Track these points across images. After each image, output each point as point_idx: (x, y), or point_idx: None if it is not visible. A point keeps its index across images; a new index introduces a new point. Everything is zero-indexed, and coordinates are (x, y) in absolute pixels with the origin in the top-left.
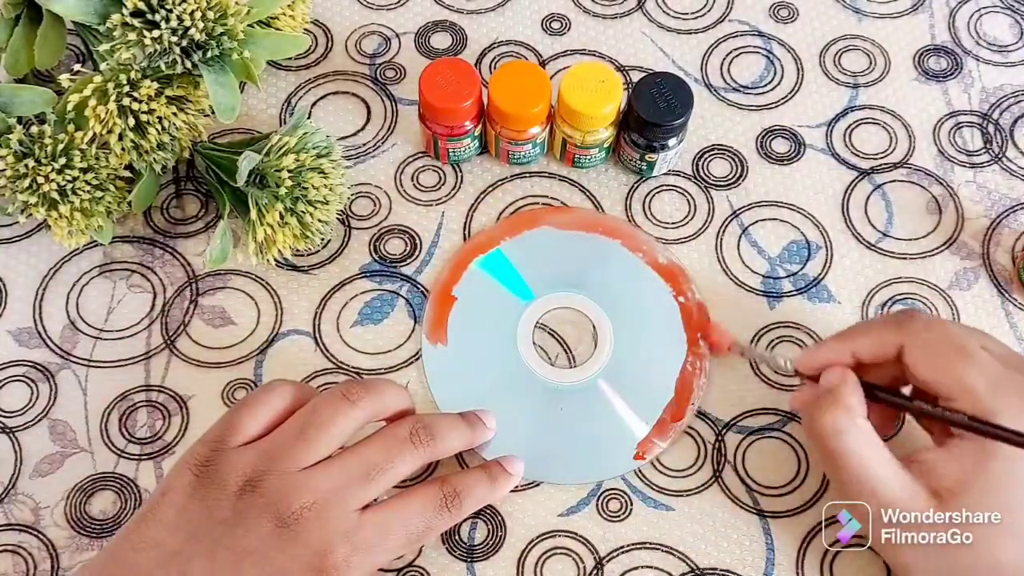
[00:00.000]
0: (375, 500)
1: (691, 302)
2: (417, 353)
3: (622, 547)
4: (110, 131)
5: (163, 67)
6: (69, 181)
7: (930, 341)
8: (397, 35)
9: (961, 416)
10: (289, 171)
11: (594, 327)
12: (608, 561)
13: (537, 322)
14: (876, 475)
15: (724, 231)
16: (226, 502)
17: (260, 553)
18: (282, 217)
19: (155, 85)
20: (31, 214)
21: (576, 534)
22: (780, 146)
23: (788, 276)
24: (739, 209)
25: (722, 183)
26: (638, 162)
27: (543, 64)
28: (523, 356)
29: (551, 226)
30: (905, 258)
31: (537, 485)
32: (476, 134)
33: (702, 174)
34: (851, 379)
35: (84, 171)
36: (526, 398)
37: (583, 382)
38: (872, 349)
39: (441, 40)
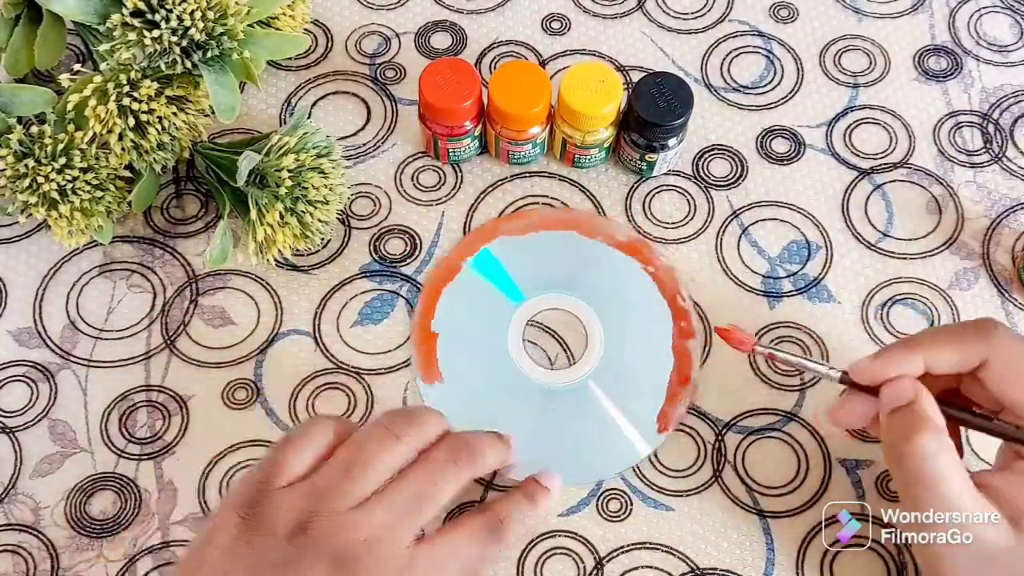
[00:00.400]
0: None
1: (661, 270)
2: None
3: (622, 547)
4: (110, 131)
5: (163, 67)
6: (69, 181)
7: (1019, 356)
8: (397, 35)
9: None
10: (289, 171)
11: (581, 321)
12: (608, 561)
13: (528, 320)
14: (961, 501)
15: (724, 231)
16: (276, 545)
17: None
18: (282, 217)
19: (155, 85)
20: (31, 214)
21: (576, 534)
22: (780, 146)
23: (788, 276)
24: (739, 209)
25: (722, 183)
26: (638, 162)
27: (543, 64)
28: (515, 359)
29: (504, 235)
30: (905, 258)
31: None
32: (476, 134)
33: (702, 174)
34: (927, 394)
35: (84, 171)
36: (522, 401)
37: (576, 382)
38: (951, 360)
39: (441, 40)
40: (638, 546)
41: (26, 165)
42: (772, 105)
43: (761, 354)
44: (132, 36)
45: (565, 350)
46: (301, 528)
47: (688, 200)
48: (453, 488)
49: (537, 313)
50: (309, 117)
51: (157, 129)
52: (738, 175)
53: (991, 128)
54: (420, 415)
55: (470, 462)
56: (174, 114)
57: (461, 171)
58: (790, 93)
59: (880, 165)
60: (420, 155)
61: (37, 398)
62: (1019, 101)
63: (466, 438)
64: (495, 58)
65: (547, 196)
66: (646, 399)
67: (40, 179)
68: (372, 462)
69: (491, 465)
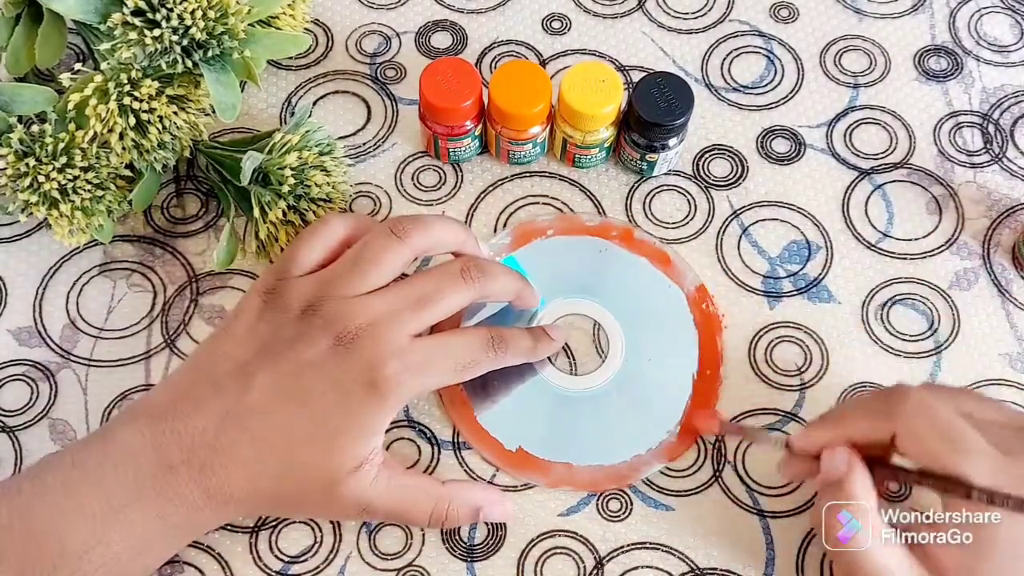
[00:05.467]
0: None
1: (690, 286)
2: None
3: (622, 547)
4: (111, 130)
5: (164, 66)
6: (70, 180)
7: (920, 431)
8: (397, 34)
9: (965, 490)
10: (292, 169)
11: (602, 326)
12: (608, 561)
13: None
14: (888, 571)
15: (724, 231)
16: (289, 323)
17: (318, 365)
18: (284, 215)
19: (156, 84)
20: (32, 213)
21: (576, 534)
22: (780, 146)
23: (788, 276)
24: (739, 209)
25: (722, 183)
26: (639, 162)
27: (543, 64)
28: (536, 366)
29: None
30: (905, 258)
31: (538, 485)
32: (476, 134)
33: (702, 174)
34: (857, 467)
35: (85, 170)
36: (540, 404)
37: (596, 387)
38: (865, 436)
39: (441, 40)
40: (638, 546)
41: (27, 164)
42: (772, 105)
43: (724, 432)
44: (133, 35)
45: (598, 352)
46: (312, 309)
47: (688, 200)
48: (457, 300)
49: (559, 317)
50: (310, 116)
51: (158, 128)
52: (738, 175)
53: (991, 128)
54: (428, 220)
55: (480, 281)
56: (175, 113)
57: (461, 171)
58: (790, 93)
59: (880, 165)
60: (420, 155)
61: (37, 397)
62: (1019, 101)
63: (483, 262)
64: (495, 58)
65: (547, 196)
66: (666, 409)
67: (41, 178)
68: (377, 260)
69: (500, 291)
